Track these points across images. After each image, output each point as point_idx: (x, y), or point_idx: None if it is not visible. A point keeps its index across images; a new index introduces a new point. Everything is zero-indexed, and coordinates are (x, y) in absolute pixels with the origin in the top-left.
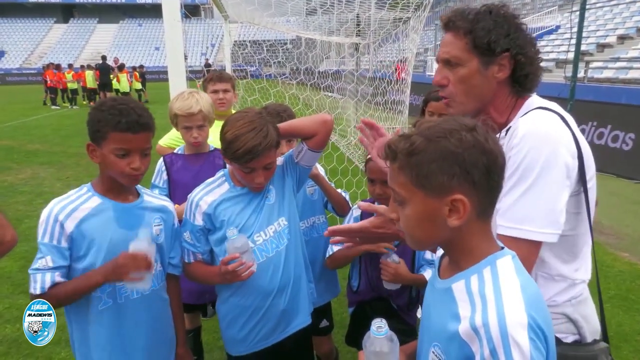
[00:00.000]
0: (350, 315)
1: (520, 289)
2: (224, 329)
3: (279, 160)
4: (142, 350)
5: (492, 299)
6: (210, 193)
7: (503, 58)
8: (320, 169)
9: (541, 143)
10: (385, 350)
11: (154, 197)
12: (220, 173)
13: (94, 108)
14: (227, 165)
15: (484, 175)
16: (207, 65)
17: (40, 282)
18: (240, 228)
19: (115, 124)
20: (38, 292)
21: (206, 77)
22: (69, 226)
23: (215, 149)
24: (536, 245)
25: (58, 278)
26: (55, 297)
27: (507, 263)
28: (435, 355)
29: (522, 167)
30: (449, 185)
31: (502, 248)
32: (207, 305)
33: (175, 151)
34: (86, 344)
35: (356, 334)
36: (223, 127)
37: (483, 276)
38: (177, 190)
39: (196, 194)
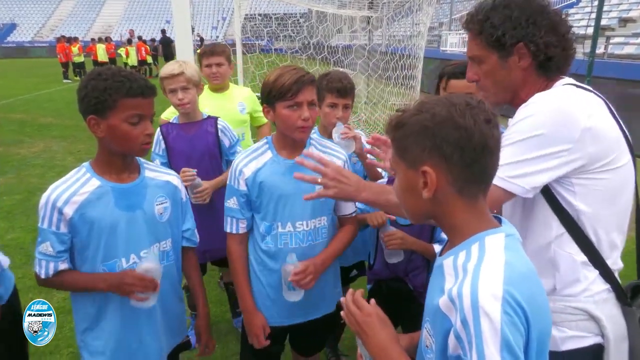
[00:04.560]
0: (368, 293)
1: (503, 265)
2: None
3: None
4: (151, 326)
5: (471, 271)
6: (254, 160)
7: (519, 48)
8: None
9: (547, 107)
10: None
11: (157, 172)
12: (263, 141)
13: (91, 79)
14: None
15: (457, 151)
16: (201, 39)
17: (44, 268)
18: (279, 203)
19: (127, 89)
20: (43, 276)
21: (199, 51)
22: (68, 212)
23: (209, 117)
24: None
25: (62, 266)
26: (59, 282)
27: (497, 240)
28: (427, 331)
29: (521, 124)
30: (421, 157)
31: (498, 226)
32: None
33: (170, 121)
34: (96, 325)
35: None
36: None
37: (470, 252)
38: (175, 157)
39: (240, 160)
